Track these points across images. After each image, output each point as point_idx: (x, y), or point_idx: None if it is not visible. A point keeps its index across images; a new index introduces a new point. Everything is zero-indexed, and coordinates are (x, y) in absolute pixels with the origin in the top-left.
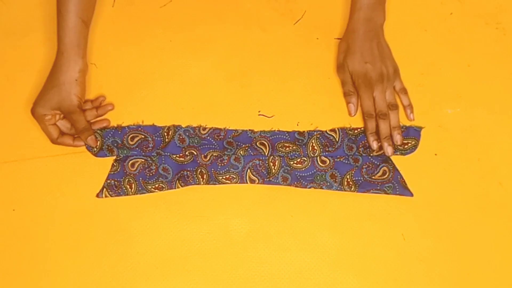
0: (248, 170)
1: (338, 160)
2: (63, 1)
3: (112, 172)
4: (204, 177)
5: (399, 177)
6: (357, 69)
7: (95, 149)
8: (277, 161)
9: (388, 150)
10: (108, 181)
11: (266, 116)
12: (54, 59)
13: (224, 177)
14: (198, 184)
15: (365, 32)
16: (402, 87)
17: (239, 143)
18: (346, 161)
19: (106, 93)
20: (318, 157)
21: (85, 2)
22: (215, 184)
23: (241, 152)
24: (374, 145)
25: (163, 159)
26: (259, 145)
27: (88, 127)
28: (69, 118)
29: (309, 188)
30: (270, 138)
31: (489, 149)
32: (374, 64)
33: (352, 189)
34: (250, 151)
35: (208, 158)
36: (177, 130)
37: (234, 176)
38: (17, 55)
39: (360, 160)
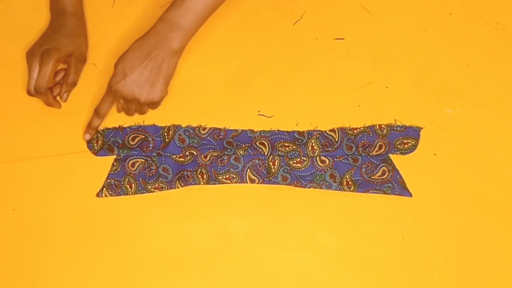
0: (248, 170)
1: (337, 160)
2: None
3: (112, 172)
4: (204, 177)
5: (398, 177)
6: (119, 82)
7: (96, 147)
8: (276, 161)
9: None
10: (108, 180)
11: (265, 116)
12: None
13: (224, 177)
14: (198, 184)
15: (150, 47)
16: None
17: (239, 143)
18: (346, 161)
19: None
20: (317, 157)
21: None
22: (215, 184)
23: (241, 152)
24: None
25: (163, 159)
26: (258, 145)
27: (76, 82)
28: (75, 66)
29: (309, 187)
30: (270, 138)
31: (488, 149)
32: (141, 88)
33: (352, 189)
34: (250, 151)
35: (208, 158)
36: (177, 130)
37: (234, 176)
38: (17, 55)
39: (360, 159)
